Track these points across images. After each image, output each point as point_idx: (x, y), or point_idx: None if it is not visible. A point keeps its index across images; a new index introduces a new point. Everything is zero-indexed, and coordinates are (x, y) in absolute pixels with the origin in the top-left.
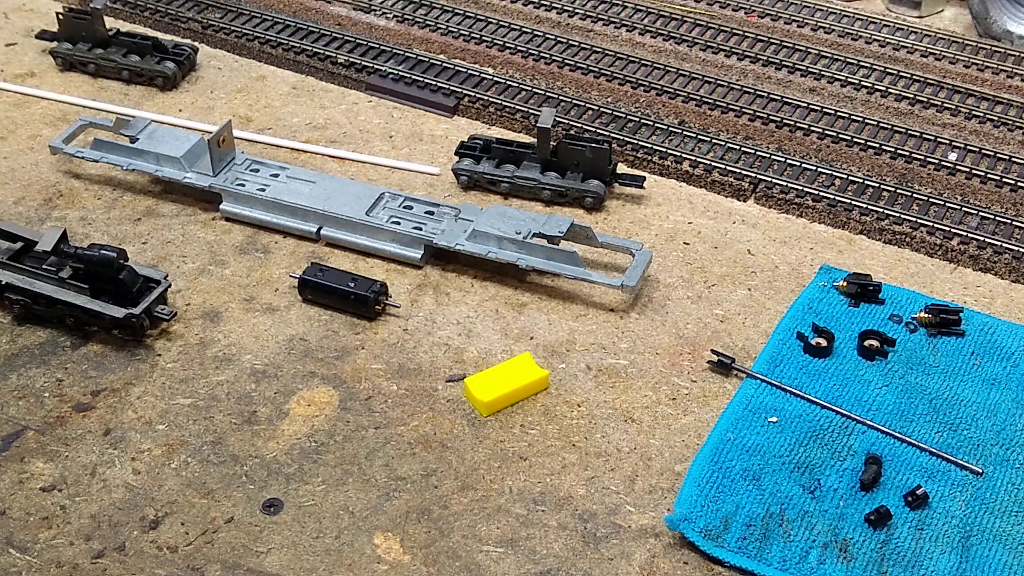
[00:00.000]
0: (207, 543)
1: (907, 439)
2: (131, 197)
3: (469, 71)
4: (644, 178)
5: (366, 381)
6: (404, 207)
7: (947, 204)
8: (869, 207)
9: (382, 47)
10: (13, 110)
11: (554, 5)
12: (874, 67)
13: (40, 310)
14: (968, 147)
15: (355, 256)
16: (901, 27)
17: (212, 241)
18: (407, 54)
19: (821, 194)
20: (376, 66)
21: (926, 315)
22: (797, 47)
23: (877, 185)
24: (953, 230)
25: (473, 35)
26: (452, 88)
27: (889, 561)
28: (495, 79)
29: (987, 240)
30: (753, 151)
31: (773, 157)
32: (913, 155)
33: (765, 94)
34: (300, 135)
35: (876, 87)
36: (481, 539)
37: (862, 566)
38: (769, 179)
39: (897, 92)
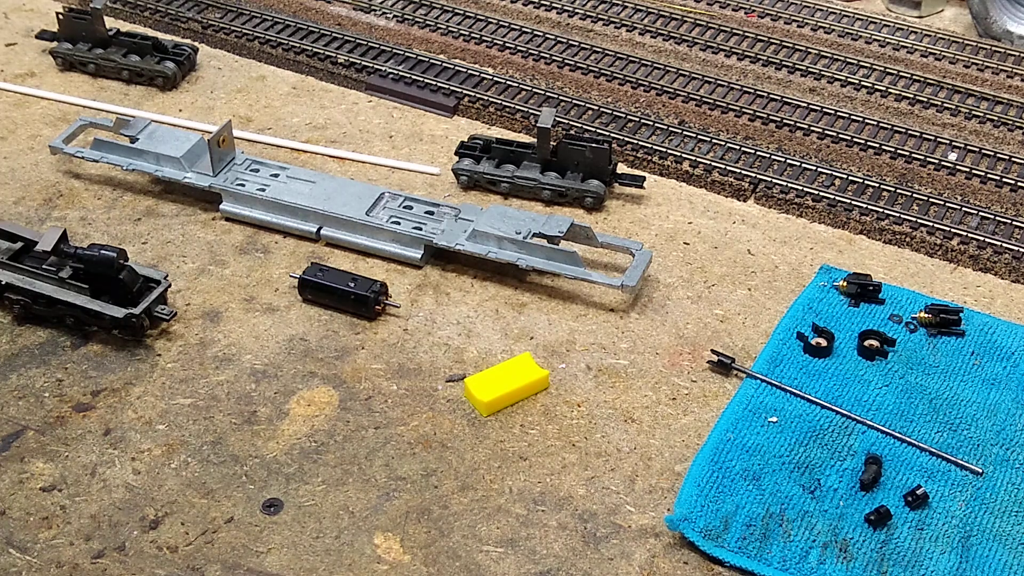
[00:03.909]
0: (207, 543)
1: (907, 439)
2: (131, 197)
3: (469, 71)
4: (644, 178)
5: (366, 381)
6: (404, 207)
7: (947, 204)
8: (869, 207)
9: (382, 47)
10: (13, 110)
11: (554, 5)
12: (874, 67)
13: (40, 310)
14: (968, 147)
15: (355, 256)
16: (901, 27)
17: (212, 241)
18: (407, 54)
19: (821, 194)
20: (376, 66)
21: (926, 315)
22: (797, 47)
23: (877, 185)
24: (953, 230)
25: (473, 35)
26: (452, 88)
27: (889, 561)
28: (495, 79)
29: (987, 240)
30: (753, 151)
31: (773, 157)
32: (913, 155)
33: (765, 94)
34: (300, 135)
35: (876, 87)
36: (481, 539)
37: (862, 566)
38: (769, 179)
39: (897, 92)
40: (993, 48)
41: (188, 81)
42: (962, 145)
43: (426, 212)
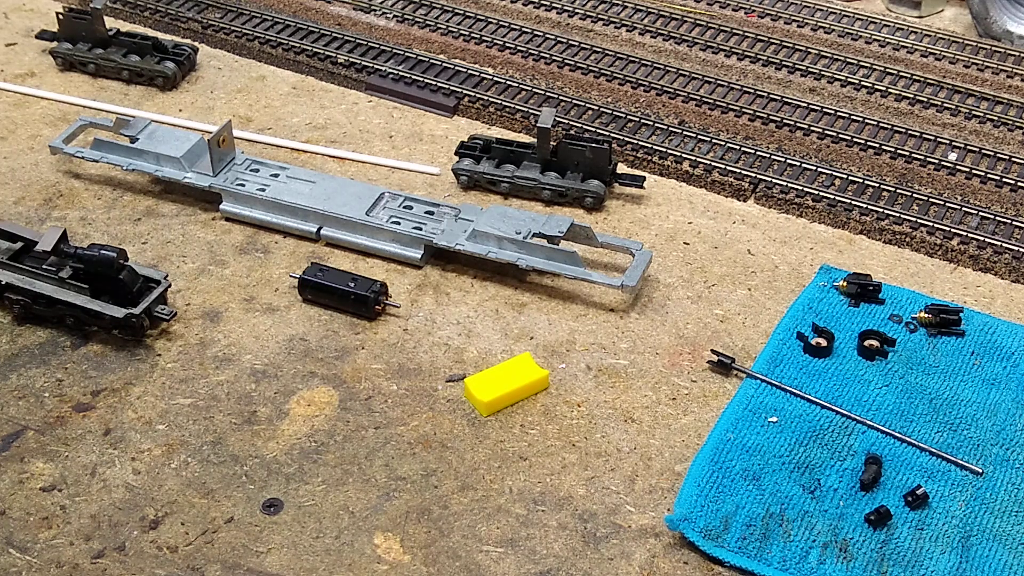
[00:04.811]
0: (207, 543)
1: (907, 439)
2: (131, 197)
3: (469, 71)
4: (644, 178)
5: (366, 381)
6: (404, 207)
7: (947, 204)
8: (869, 207)
9: (382, 47)
10: (13, 110)
11: (554, 5)
12: (874, 67)
13: (40, 310)
14: (968, 147)
15: (355, 256)
16: (901, 27)
17: (212, 241)
18: (407, 54)
19: (821, 194)
20: (376, 66)
21: (926, 315)
22: (797, 47)
23: (877, 185)
24: (953, 230)
25: (473, 35)
26: (452, 88)
27: (889, 561)
28: (495, 79)
29: (987, 240)
30: (753, 151)
31: (773, 157)
32: (913, 155)
33: (765, 94)
34: (300, 135)
35: (876, 87)
36: (481, 539)
37: (862, 566)
38: (769, 179)
39: (897, 92)
40: (993, 48)
41: (188, 81)
42: (962, 145)
43: (426, 212)
